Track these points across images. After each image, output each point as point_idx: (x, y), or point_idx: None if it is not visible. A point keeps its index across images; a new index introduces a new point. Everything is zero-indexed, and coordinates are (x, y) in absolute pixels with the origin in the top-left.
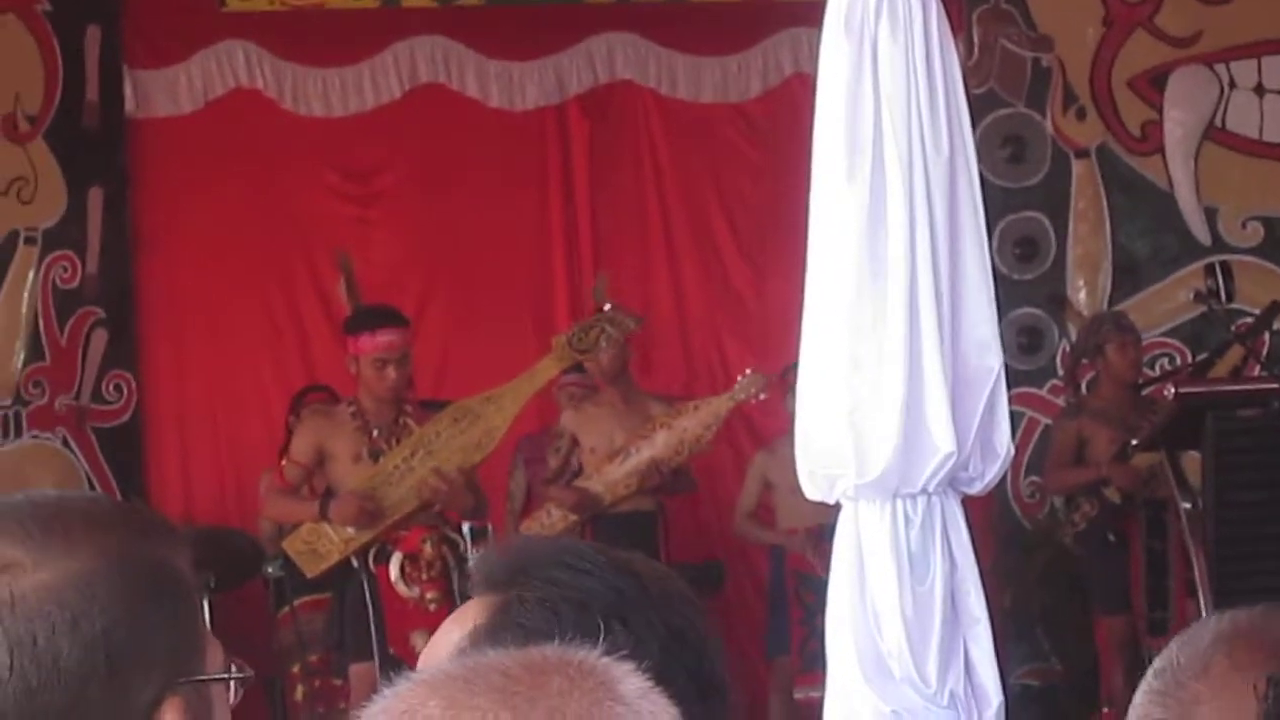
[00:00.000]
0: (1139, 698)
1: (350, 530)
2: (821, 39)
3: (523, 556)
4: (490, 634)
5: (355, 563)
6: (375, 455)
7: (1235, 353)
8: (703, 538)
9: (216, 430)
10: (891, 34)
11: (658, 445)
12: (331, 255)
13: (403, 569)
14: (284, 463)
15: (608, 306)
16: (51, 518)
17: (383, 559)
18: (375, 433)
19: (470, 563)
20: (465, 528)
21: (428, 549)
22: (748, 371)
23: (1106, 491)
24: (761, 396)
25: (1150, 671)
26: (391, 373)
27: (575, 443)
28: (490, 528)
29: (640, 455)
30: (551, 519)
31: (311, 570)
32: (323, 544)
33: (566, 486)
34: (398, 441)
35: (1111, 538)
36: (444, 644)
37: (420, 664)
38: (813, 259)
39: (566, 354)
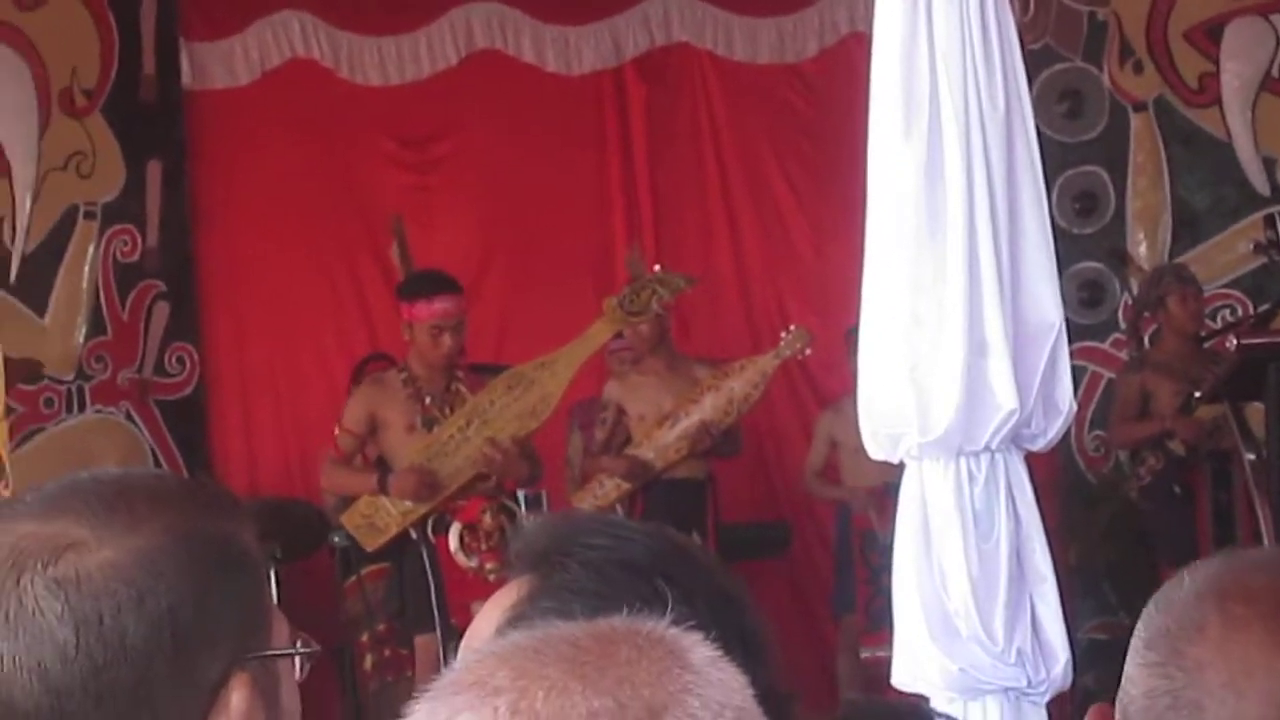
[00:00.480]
0: (1135, 672)
1: (408, 503)
2: None
3: (560, 531)
4: (534, 602)
5: (414, 534)
6: (429, 423)
7: None
8: (770, 498)
9: (280, 401)
10: None
11: (706, 408)
12: (389, 223)
13: (462, 539)
14: (337, 431)
15: (657, 268)
16: (115, 495)
17: (441, 529)
18: (428, 400)
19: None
20: (520, 496)
21: (487, 519)
22: (791, 328)
23: (1171, 445)
24: (806, 352)
25: (1138, 642)
26: (448, 340)
27: (621, 412)
28: (545, 494)
29: (690, 419)
30: (605, 489)
31: (370, 544)
32: (380, 517)
33: (617, 455)
34: (451, 409)
35: (1177, 490)
36: (485, 624)
37: (464, 644)
38: (872, 217)
39: (619, 316)
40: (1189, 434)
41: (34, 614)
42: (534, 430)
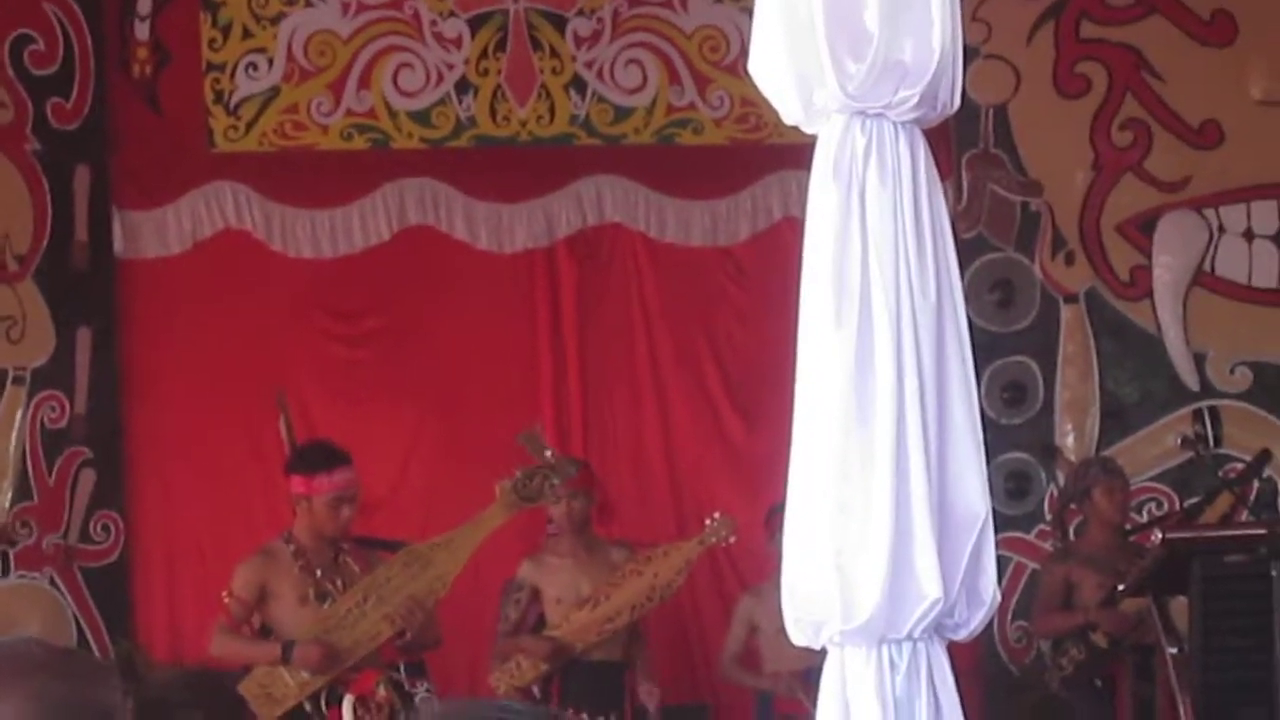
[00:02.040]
0: None
1: (305, 674)
2: (810, 183)
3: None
4: None
5: (308, 706)
6: (322, 596)
7: (1225, 499)
8: (690, 680)
9: (205, 570)
10: (880, 179)
11: (629, 592)
12: (316, 395)
13: (355, 712)
14: (228, 599)
15: (549, 453)
16: None
17: (334, 701)
18: (319, 572)
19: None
20: (402, 666)
21: (380, 691)
22: (716, 515)
23: (1094, 636)
24: (730, 540)
25: None
26: (346, 511)
27: (535, 594)
28: (425, 664)
29: (611, 602)
30: (522, 669)
31: (267, 715)
32: (278, 688)
33: (539, 636)
34: (341, 581)
35: (1099, 683)
36: None
37: None
38: (800, 403)
39: (512, 500)
40: (1112, 626)
41: None
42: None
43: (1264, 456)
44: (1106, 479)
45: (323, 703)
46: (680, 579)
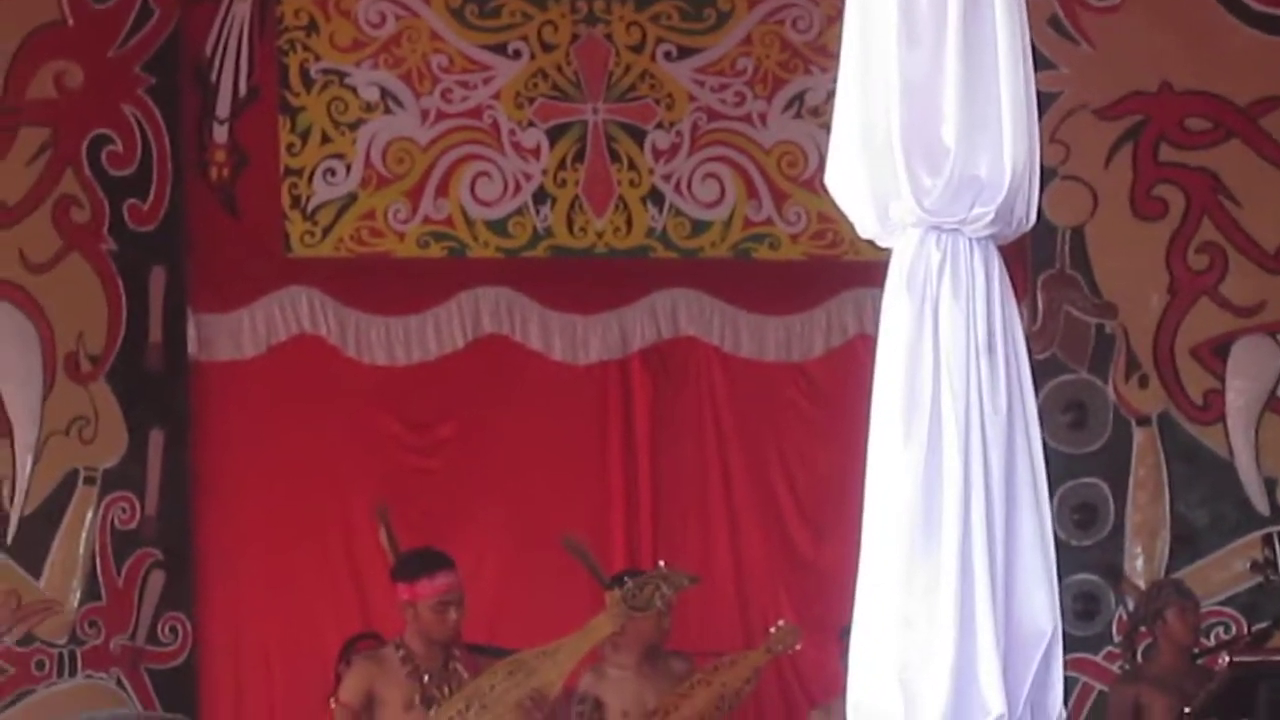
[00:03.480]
0: None
1: None
2: (883, 297)
3: None
4: None
5: None
6: (429, 702)
7: None
8: None
9: (271, 675)
10: (953, 293)
11: (698, 702)
12: (389, 502)
13: None
14: (334, 705)
15: (661, 564)
16: None
17: None
18: (427, 678)
19: None
20: None
21: None
22: (780, 623)
23: None
24: (796, 648)
25: None
26: (453, 614)
27: (599, 706)
28: None
29: (680, 712)
30: None
31: None
32: None
33: None
34: (449, 688)
35: None
36: None
37: None
38: (868, 517)
39: (622, 610)
40: None
41: None
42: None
43: None
44: (1179, 600)
45: None
46: (749, 688)
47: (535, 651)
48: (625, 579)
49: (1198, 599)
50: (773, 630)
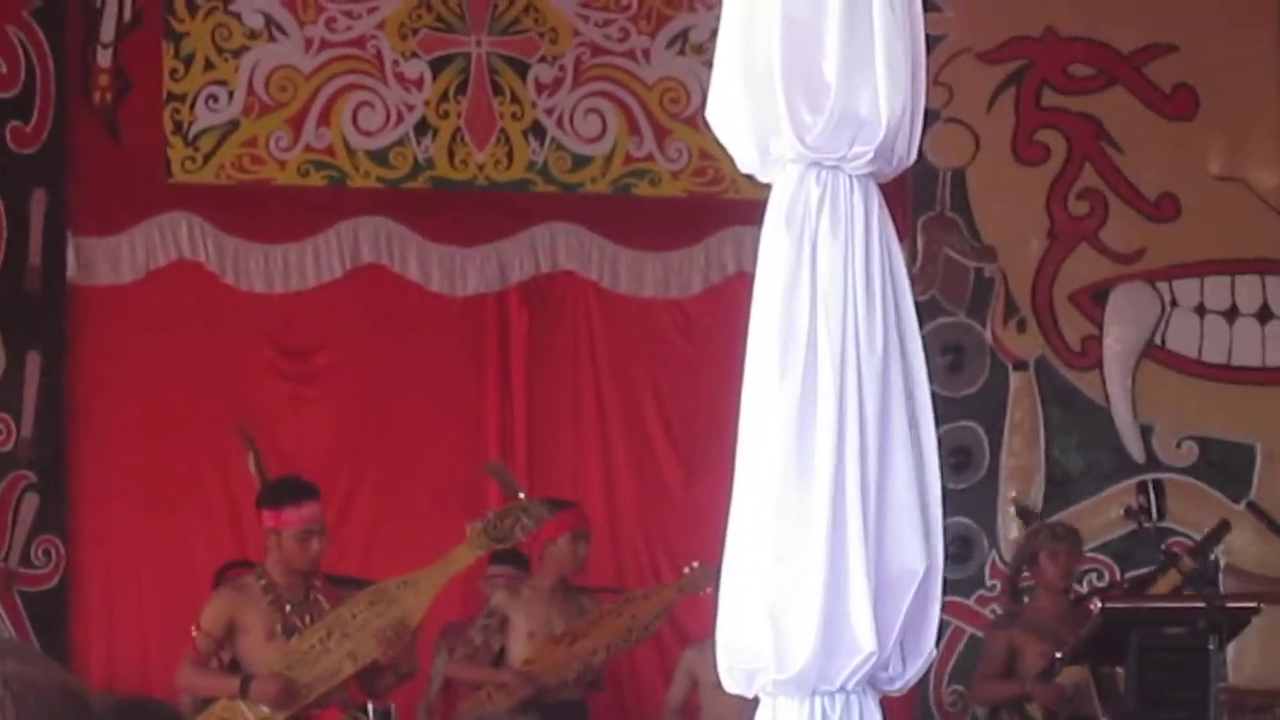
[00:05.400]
0: None
1: (265, 709)
2: (762, 233)
3: None
4: None
5: None
6: (289, 631)
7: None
8: None
9: (143, 600)
10: (832, 230)
11: (607, 631)
12: (262, 430)
13: None
14: (195, 633)
15: (522, 495)
16: None
17: None
18: (289, 608)
19: None
20: (370, 708)
21: None
22: (695, 564)
23: (1030, 708)
24: (709, 590)
25: None
26: (315, 544)
27: (506, 623)
28: (393, 708)
29: (590, 639)
30: (493, 701)
31: None
32: None
33: (520, 670)
34: (310, 617)
35: None
36: None
37: None
38: (741, 454)
39: (482, 541)
40: (1048, 699)
41: None
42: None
43: (1223, 528)
44: (1052, 544)
45: None
46: (658, 623)
47: (396, 581)
48: (488, 512)
49: (1076, 542)
50: (687, 570)
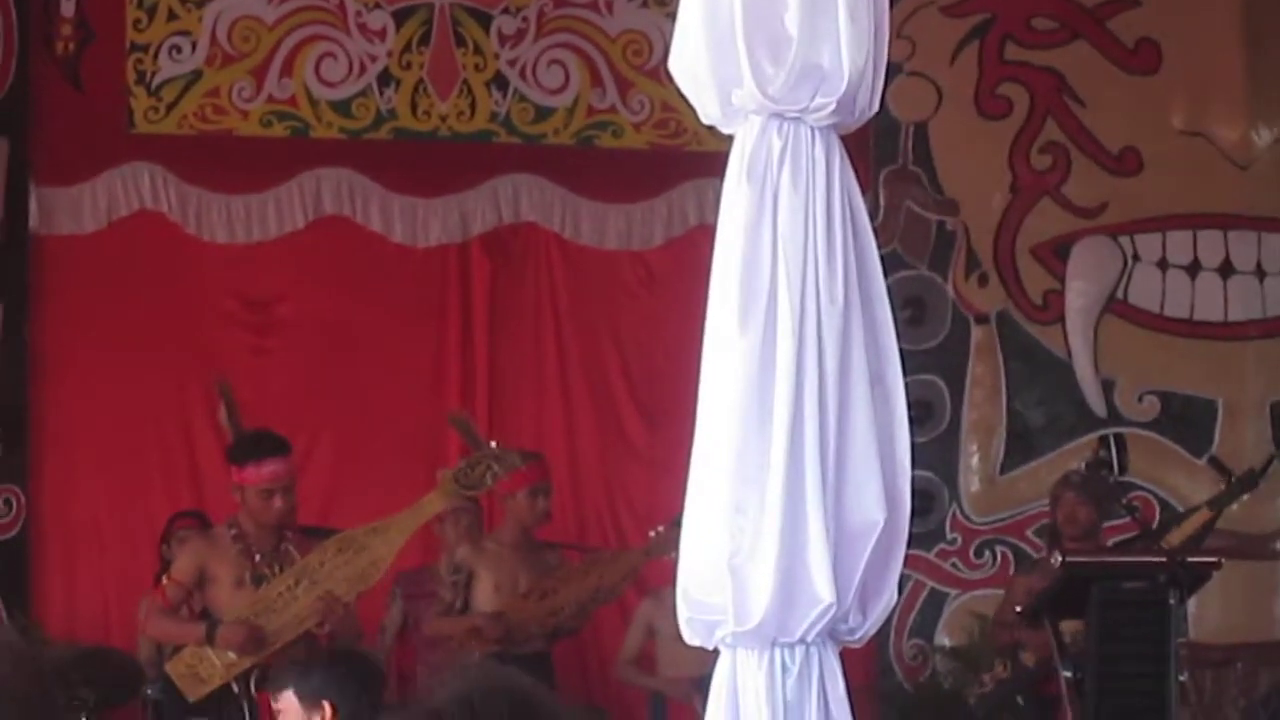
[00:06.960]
0: None
1: (232, 655)
2: (724, 184)
3: None
4: None
5: (236, 688)
6: (258, 580)
7: (1195, 520)
8: (585, 684)
9: (103, 550)
10: (793, 181)
11: (575, 588)
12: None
13: None
14: (165, 581)
15: (493, 444)
16: None
17: (263, 685)
18: (258, 557)
19: None
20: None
21: None
22: (661, 528)
23: (1023, 656)
24: (673, 555)
25: None
26: (278, 502)
27: (472, 577)
28: None
29: (559, 596)
30: (467, 650)
31: (193, 694)
32: (205, 668)
33: (492, 615)
34: (281, 567)
35: (1020, 701)
36: None
37: None
38: (702, 405)
39: (453, 490)
40: (1037, 647)
41: None
42: (362, 593)
43: (1251, 477)
44: (1064, 490)
45: (251, 686)
46: (625, 585)
47: (365, 529)
48: (459, 460)
49: (1088, 490)
50: (653, 534)
